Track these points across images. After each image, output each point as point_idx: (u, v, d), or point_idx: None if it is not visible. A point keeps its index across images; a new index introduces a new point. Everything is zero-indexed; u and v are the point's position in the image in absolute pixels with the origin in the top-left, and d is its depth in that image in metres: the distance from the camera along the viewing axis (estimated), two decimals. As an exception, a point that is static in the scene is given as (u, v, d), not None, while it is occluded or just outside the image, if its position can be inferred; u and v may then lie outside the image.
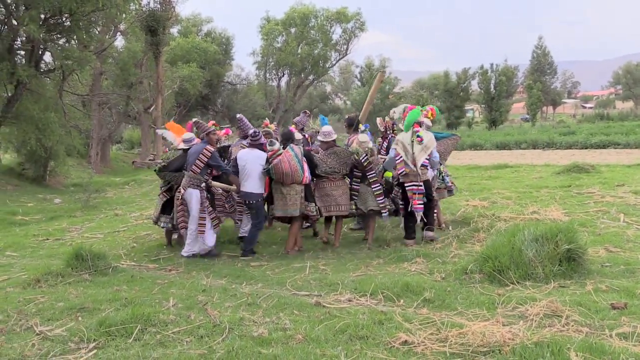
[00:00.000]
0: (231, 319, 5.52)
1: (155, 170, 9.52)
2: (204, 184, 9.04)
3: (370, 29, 57.83)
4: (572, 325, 5.02)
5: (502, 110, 58.70)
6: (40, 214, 15.67)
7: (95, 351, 4.93)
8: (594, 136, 32.36)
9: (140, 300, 6.32)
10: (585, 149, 29.35)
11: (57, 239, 11.80)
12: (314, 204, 9.31)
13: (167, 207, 9.64)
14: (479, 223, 9.68)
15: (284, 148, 9.12)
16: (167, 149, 10.23)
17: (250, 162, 8.99)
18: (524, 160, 23.29)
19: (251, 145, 9.20)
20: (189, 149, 9.20)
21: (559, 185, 13.42)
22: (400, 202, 9.61)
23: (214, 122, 11.52)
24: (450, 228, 9.75)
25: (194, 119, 9.63)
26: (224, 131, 11.20)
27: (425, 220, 9.24)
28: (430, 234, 9.30)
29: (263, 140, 9.32)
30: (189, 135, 9.51)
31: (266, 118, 10.42)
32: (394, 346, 4.72)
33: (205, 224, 8.97)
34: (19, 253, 10.47)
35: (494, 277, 6.47)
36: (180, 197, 8.96)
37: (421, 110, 10.08)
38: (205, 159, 8.81)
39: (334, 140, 9.58)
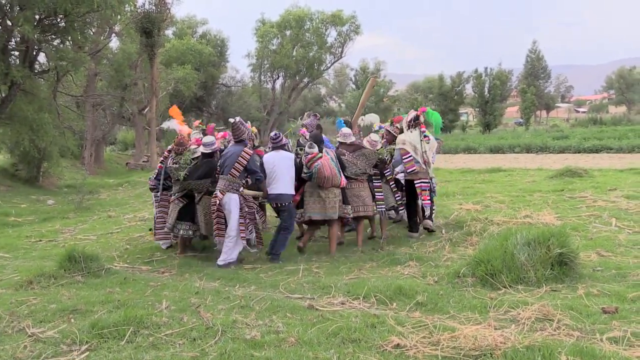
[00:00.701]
0: (224, 322, 5.52)
1: (179, 179, 8.99)
2: (242, 188, 8.75)
3: (368, 32, 57.90)
4: (564, 329, 5.03)
5: (496, 114, 58.88)
6: (33, 215, 15.64)
7: (87, 353, 4.93)
8: (587, 140, 32.48)
9: (133, 302, 6.31)
10: (578, 153, 29.45)
11: (50, 240, 11.78)
12: (349, 206, 9.30)
13: (184, 214, 9.24)
14: (472, 227, 9.69)
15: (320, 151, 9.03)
16: (166, 151, 9.91)
17: (279, 164, 8.87)
18: (517, 164, 23.34)
19: (274, 148, 9.10)
20: (211, 153, 9.01)
21: (552, 189, 13.46)
22: (399, 199, 10.07)
23: (199, 121, 11.44)
24: (443, 231, 9.77)
25: (237, 118, 9.22)
26: (221, 134, 11.08)
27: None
28: (430, 222, 9.68)
29: (285, 141, 9.30)
30: (210, 138, 9.24)
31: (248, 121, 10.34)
32: (386, 349, 4.73)
33: (245, 230, 8.74)
34: (12, 254, 10.45)
35: (487, 280, 6.49)
36: (217, 203, 8.57)
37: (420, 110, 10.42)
38: (245, 162, 8.55)
39: (359, 142, 9.70)
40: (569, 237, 7.01)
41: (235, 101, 53.50)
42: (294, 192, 9.02)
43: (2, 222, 14.53)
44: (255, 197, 9.28)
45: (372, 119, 10.88)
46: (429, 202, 9.62)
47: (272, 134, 9.30)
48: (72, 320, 5.81)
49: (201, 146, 9.08)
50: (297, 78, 54.84)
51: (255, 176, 8.78)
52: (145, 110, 35.61)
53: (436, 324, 5.19)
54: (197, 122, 11.04)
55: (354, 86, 72.63)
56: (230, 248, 8.62)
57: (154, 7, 32.17)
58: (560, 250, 6.56)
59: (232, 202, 8.56)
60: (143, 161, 34.82)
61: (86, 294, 6.71)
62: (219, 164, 8.84)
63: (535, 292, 6.12)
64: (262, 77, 55.74)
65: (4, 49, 21.53)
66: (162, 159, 9.88)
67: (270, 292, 6.83)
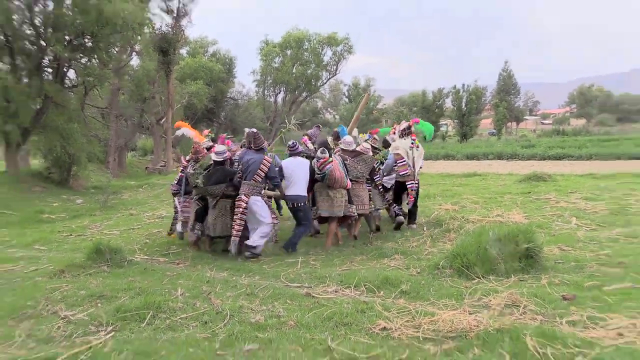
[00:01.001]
0: (232, 307, 5.55)
1: (196, 186, 8.80)
2: (263, 191, 8.73)
3: (359, 51, 57.84)
4: (529, 314, 5.07)
5: (472, 125, 58.83)
6: (64, 213, 15.62)
7: (112, 333, 4.95)
8: (551, 149, 32.53)
9: (151, 289, 6.33)
10: (544, 160, 29.48)
11: (79, 235, 11.78)
12: (354, 206, 9.35)
13: (198, 215, 9.15)
14: (450, 224, 9.72)
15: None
16: (184, 159, 9.73)
17: (296, 169, 8.88)
18: (490, 169, 23.38)
19: (292, 155, 9.10)
20: (222, 160, 8.87)
21: (520, 192, 13.50)
22: (386, 201, 10.42)
23: (209, 130, 11.42)
24: (425, 229, 9.80)
25: (252, 129, 9.13)
26: (226, 141, 11.12)
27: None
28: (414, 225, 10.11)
29: (300, 149, 9.29)
30: (222, 147, 9.16)
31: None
32: (374, 332, 4.76)
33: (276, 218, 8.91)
34: (46, 247, 10.46)
35: (462, 272, 6.52)
36: (243, 206, 8.47)
37: (395, 125, 10.62)
38: (266, 169, 8.53)
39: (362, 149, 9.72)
40: (535, 233, 7.04)
41: (242, 113, 53.41)
42: (307, 194, 9.05)
43: (38, 219, 14.54)
44: (271, 197, 9.28)
45: (354, 132, 10.94)
46: (414, 200, 9.89)
47: (290, 142, 9.30)
48: (99, 304, 5.83)
49: (213, 154, 9.01)
50: (296, 92, 54.80)
51: (274, 181, 8.76)
52: (162, 120, 35.57)
53: (418, 309, 5.22)
54: (207, 131, 11.01)
55: (347, 100, 72.54)
56: (267, 233, 8.59)
57: (170, 29, 32.16)
58: (527, 245, 6.59)
59: (258, 204, 8.56)
60: (160, 165, 34.80)
61: (111, 282, 6.73)
62: (241, 169, 8.72)
63: (505, 281, 6.16)
64: (266, 92, 55.68)
65: (39, 67, 21.54)
66: (182, 167, 9.77)
67: (272, 281, 6.86)
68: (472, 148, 39.06)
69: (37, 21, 21.24)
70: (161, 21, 31.40)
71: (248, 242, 8.50)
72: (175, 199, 9.76)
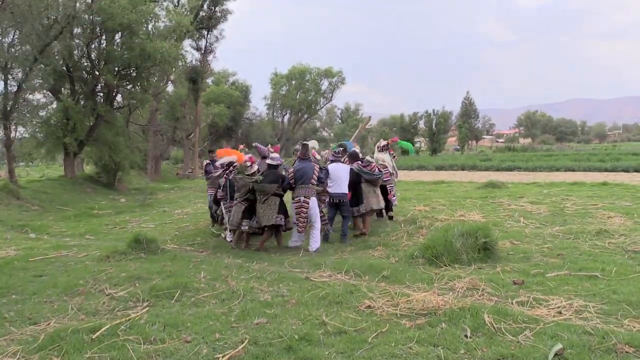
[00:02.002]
0: (245, 288, 5.52)
1: (255, 182, 8.48)
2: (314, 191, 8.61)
3: (350, 81, 58.01)
4: (486, 296, 5.05)
5: (441, 142, 58.94)
6: (110, 210, 15.58)
7: (147, 308, 4.93)
8: (504, 162, 32.49)
9: (180, 273, 6.31)
10: (498, 171, 29.44)
11: (121, 227, 11.74)
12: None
13: (247, 213, 8.68)
14: (423, 222, 9.67)
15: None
16: (223, 170, 9.35)
17: (340, 172, 8.77)
18: (455, 178, 23.37)
19: (334, 161, 9.03)
20: (276, 165, 8.59)
21: (479, 196, 13.48)
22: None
23: (242, 145, 11.36)
24: (402, 226, 9.74)
25: (309, 140, 9.24)
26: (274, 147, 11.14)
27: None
28: (391, 213, 10.17)
29: (340, 156, 9.17)
30: (276, 154, 9.11)
31: (269, 144, 10.30)
32: (360, 309, 4.74)
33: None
34: (95, 237, 10.44)
35: (432, 261, 6.49)
36: (307, 205, 8.29)
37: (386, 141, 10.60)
38: (317, 174, 8.46)
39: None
40: (491, 230, 7.04)
41: (255, 130, 53.32)
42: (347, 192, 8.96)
43: (89, 214, 14.50)
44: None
45: (313, 144, 10.68)
46: (395, 198, 10.06)
47: (335, 151, 9.38)
48: (137, 284, 5.80)
49: (268, 159, 8.77)
50: (299, 114, 54.93)
51: (320, 181, 8.71)
52: (191, 135, 35.54)
53: (396, 291, 5.20)
54: (241, 146, 11.04)
55: (340, 120, 72.72)
56: (317, 235, 8.38)
57: (198, 63, 32.21)
58: (485, 240, 6.58)
59: (315, 204, 8.47)
60: (188, 172, 34.80)
61: (147, 266, 6.70)
62: (293, 176, 8.49)
63: (467, 269, 6.14)
64: (275, 114, 55.77)
65: (93, 91, 21.59)
66: (224, 176, 9.28)
67: (278, 267, 6.82)
68: (440, 160, 39.09)
69: (93, 55, 21.35)
70: (192, 56, 31.52)
71: (312, 249, 8.23)
72: (222, 205, 9.33)
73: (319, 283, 5.73)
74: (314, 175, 8.40)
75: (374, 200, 9.14)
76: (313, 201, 8.41)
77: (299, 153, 8.88)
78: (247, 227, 8.67)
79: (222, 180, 9.45)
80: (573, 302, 4.69)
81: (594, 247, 7.03)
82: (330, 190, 8.77)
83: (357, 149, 9.93)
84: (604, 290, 5.00)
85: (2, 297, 5.59)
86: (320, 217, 8.66)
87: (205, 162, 10.98)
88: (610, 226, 8.33)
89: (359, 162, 9.20)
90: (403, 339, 3.98)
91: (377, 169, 9.21)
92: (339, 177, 8.74)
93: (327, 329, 4.24)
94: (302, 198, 8.32)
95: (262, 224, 8.45)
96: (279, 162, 8.77)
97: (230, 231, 9.05)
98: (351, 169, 8.98)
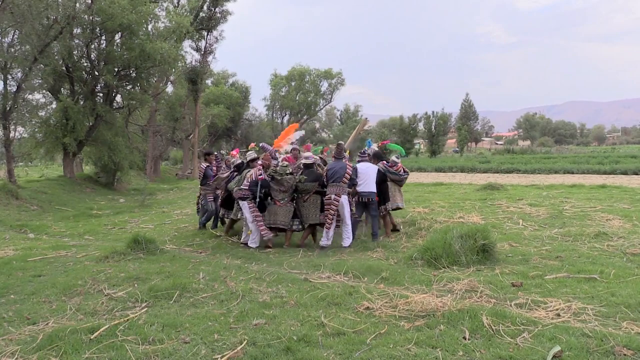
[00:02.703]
0: (244, 289, 5.52)
1: (299, 181, 8.53)
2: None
3: (350, 83, 58.02)
4: (485, 297, 5.05)
5: (440, 144, 58.89)
6: (109, 210, 15.56)
7: (146, 309, 4.92)
8: (503, 164, 32.49)
9: (179, 273, 6.30)
10: (497, 173, 29.47)
11: (120, 227, 11.72)
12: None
13: (295, 214, 8.69)
14: (422, 224, 9.68)
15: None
16: (260, 169, 8.88)
17: (368, 171, 8.82)
18: (454, 180, 23.39)
19: (361, 161, 9.05)
20: (311, 164, 8.66)
21: (478, 198, 13.50)
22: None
23: (253, 144, 11.34)
24: (401, 227, 9.77)
25: (339, 142, 9.10)
26: (234, 151, 11.19)
27: None
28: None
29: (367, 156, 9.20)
30: (309, 153, 9.16)
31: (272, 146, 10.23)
32: (359, 310, 4.74)
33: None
34: (94, 237, 10.42)
35: (431, 262, 6.49)
36: (337, 203, 8.30)
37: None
38: (350, 173, 8.48)
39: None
40: (490, 232, 7.05)
41: (255, 131, 53.29)
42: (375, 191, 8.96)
43: (88, 214, 14.49)
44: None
45: (287, 148, 10.62)
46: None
47: (362, 150, 9.38)
48: (136, 285, 5.80)
49: (302, 159, 8.81)
50: (298, 115, 54.88)
51: (353, 182, 8.67)
52: (190, 136, 35.56)
53: (395, 293, 5.20)
54: (252, 145, 11.11)
55: (339, 122, 72.75)
56: (350, 232, 8.48)
57: (198, 63, 32.22)
58: (483, 242, 6.59)
59: (346, 202, 8.50)
60: (187, 173, 34.81)
61: (146, 267, 6.68)
62: (326, 175, 8.54)
63: (465, 271, 6.14)
64: (274, 115, 55.78)
65: (92, 92, 21.60)
66: (259, 177, 8.58)
67: (276, 268, 6.81)
68: (439, 162, 39.07)
69: (93, 56, 21.38)
70: (191, 57, 31.56)
71: (345, 245, 8.34)
72: (245, 203, 8.55)
73: (318, 284, 5.73)
74: (346, 174, 8.44)
75: (399, 198, 9.40)
76: (344, 199, 8.46)
77: (333, 152, 9.00)
78: (295, 228, 8.72)
79: (245, 181, 8.74)
80: (571, 304, 4.69)
81: (592, 250, 7.04)
82: (359, 189, 8.80)
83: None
84: (602, 293, 5.01)
85: (1, 297, 5.58)
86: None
87: (204, 165, 10.59)
88: (609, 229, 8.34)
89: (384, 162, 9.35)
90: (402, 340, 3.98)
91: (402, 170, 9.36)
92: (368, 176, 8.81)
93: (325, 330, 4.24)
94: (333, 196, 8.38)
95: (307, 223, 8.58)
96: (313, 160, 8.79)
97: (262, 232, 8.58)
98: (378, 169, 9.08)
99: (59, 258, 7.72)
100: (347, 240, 8.43)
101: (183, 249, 8.64)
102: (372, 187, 8.79)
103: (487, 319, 4.24)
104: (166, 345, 3.98)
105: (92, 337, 4.09)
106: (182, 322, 4.49)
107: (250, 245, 8.47)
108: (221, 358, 3.73)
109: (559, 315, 4.46)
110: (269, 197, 8.70)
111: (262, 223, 8.41)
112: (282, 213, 8.58)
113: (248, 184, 8.49)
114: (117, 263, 7.00)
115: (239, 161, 10.09)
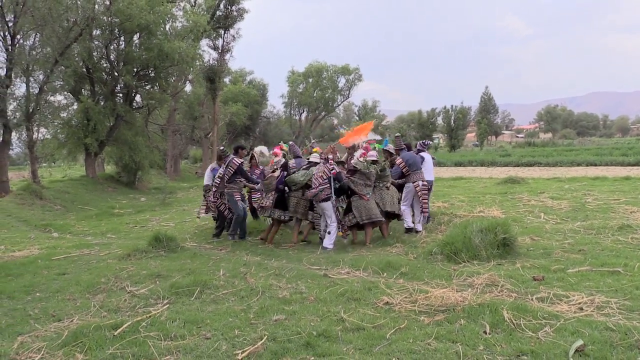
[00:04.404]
0: (263, 285, 5.55)
1: (382, 170, 8.55)
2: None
3: (367, 78, 57.80)
4: (505, 292, 5.01)
5: (459, 138, 58.37)
6: (130, 208, 15.79)
7: (168, 305, 4.98)
8: (524, 157, 32.12)
9: (199, 270, 6.37)
10: (518, 166, 29.13)
11: (142, 226, 11.88)
12: None
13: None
14: (441, 219, 9.63)
15: None
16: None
17: (430, 161, 9.32)
18: (474, 174, 23.19)
19: (422, 150, 9.36)
20: (376, 160, 8.57)
21: (499, 192, 13.38)
22: None
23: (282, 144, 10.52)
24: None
25: (397, 134, 9.22)
26: (277, 149, 10.27)
27: None
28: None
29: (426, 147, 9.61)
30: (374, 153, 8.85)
31: (281, 141, 9.96)
32: (378, 306, 4.73)
33: None
34: (116, 235, 10.57)
35: (451, 257, 6.46)
36: (426, 186, 8.77)
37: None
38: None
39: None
40: (510, 226, 6.95)
41: (273, 129, 53.53)
42: None
43: (110, 213, 14.71)
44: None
45: (262, 149, 10.37)
46: None
47: (423, 142, 9.75)
48: (157, 282, 5.88)
49: (368, 156, 8.42)
50: (316, 112, 54.92)
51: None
52: (209, 134, 35.78)
53: (415, 287, 5.18)
54: (282, 145, 10.21)
55: (357, 118, 72.54)
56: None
57: (216, 62, 32.38)
58: (504, 236, 6.52)
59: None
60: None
61: (167, 264, 6.77)
62: (409, 163, 8.72)
63: (486, 265, 6.09)
64: (292, 112, 55.86)
65: (112, 92, 21.91)
66: (331, 169, 8.19)
67: (296, 264, 6.85)
68: (459, 157, 38.75)
69: (112, 56, 21.65)
70: (209, 56, 31.67)
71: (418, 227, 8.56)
72: (330, 203, 8.10)
73: (338, 280, 5.74)
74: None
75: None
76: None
77: (394, 145, 9.24)
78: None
79: (316, 182, 8.15)
80: (595, 298, 4.62)
81: (616, 243, 6.93)
82: (427, 177, 8.98)
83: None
84: (626, 286, 4.93)
85: (27, 295, 5.71)
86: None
87: (238, 160, 9.06)
88: (633, 221, 8.20)
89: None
90: (421, 335, 3.97)
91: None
92: (431, 165, 9.30)
93: (345, 326, 4.25)
94: (421, 182, 8.62)
95: (375, 218, 8.19)
96: (375, 157, 8.54)
97: (344, 229, 8.30)
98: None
99: (83, 256, 7.87)
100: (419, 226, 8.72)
101: (203, 246, 8.71)
102: (431, 176, 9.21)
103: (507, 313, 4.21)
104: (187, 341, 4.03)
105: (115, 334, 4.16)
106: (203, 318, 4.54)
107: (327, 246, 7.97)
108: (242, 353, 3.77)
109: (581, 309, 4.40)
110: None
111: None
112: (373, 206, 8.18)
113: (323, 183, 8.02)
114: (139, 261, 7.10)
115: (284, 160, 9.27)
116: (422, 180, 8.63)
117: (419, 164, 8.78)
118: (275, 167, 8.95)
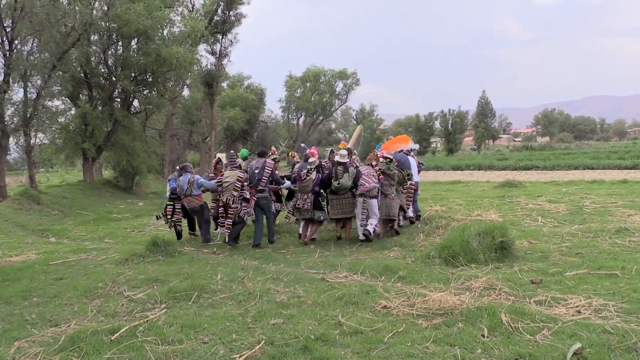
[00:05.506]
0: (261, 289, 5.54)
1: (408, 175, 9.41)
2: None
3: (365, 82, 57.91)
4: (503, 295, 5.01)
5: (457, 142, 58.46)
6: (128, 213, 15.75)
7: (165, 310, 4.97)
8: (521, 161, 32.17)
9: (197, 274, 6.35)
10: (515, 170, 29.17)
11: (140, 230, 11.87)
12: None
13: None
14: (439, 222, 9.61)
15: None
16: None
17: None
18: (471, 178, 23.21)
19: (408, 154, 10.04)
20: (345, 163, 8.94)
21: (496, 195, 13.38)
22: None
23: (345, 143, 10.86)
24: (418, 226, 9.71)
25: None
26: (313, 149, 10.32)
27: None
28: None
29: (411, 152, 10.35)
30: (344, 151, 9.13)
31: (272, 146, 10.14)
32: (376, 309, 4.73)
33: None
34: (114, 240, 10.56)
35: (449, 260, 6.45)
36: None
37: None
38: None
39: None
40: (508, 229, 6.98)
41: (270, 133, 53.51)
42: None
43: (107, 218, 14.68)
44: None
45: (221, 156, 10.86)
46: None
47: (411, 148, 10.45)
48: (155, 286, 5.86)
49: (387, 154, 9.32)
50: (314, 116, 55.03)
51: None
52: (207, 139, 35.78)
53: (412, 291, 5.18)
54: (293, 153, 10.96)
55: (355, 122, 72.60)
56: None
57: (213, 67, 32.41)
58: (502, 239, 6.52)
59: None
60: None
61: (165, 269, 6.75)
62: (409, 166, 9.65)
63: (484, 268, 6.09)
64: (290, 116, 55.90)
65: (110, 97, 21.92)
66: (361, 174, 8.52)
67: (294, 268, 6.82)
68: (457, 160, 38.80)
69: (110, 62, 21.68)
70: (207, 61, 31.70)
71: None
72: (376, 201, 8.54)
73: (335, 284, 5.73)
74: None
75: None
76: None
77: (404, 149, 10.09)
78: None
79: (367, 179, 8.50)
80: (592, 301, 4.62)
81: (613, 246, 6.93)
82: (415, 179, 9.87)
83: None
84: (624, 289, 4.93)
85: (24, 300, 5.69)
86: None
87: (272, 162, 9.12)
88: (630, 224, 8.21)
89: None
90: (419, 338, 3.97)
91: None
92: (415, 167, 9.96)
93: (343, 329, 4.24)
94: (409, 182, 9.42)
95: (393, 216, 8.86)
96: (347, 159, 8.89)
97: (375, 226, 8.51)
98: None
99: (80, 261, 7.84)
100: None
101: (201, 250, 8.69)
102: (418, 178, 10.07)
103: (505, 316, 4.20)
104: (185, 345, 4.02)
105: (112, 338, 4.15)
106: (200, 322, 4.53)
107: (369, 231, 8.35)
108: (239, 358, 3.76)
109: (579, 312, 4.40)
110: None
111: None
112: (395, 205, 8.85)
113: (373, 181, 8.52)
114: (136, 265, 7.08)
115: (318, 161, 9.10)
116: (411, 181, 9.43)
117: (408, 165, 9.60)
118: (309, 166, 8.90)
